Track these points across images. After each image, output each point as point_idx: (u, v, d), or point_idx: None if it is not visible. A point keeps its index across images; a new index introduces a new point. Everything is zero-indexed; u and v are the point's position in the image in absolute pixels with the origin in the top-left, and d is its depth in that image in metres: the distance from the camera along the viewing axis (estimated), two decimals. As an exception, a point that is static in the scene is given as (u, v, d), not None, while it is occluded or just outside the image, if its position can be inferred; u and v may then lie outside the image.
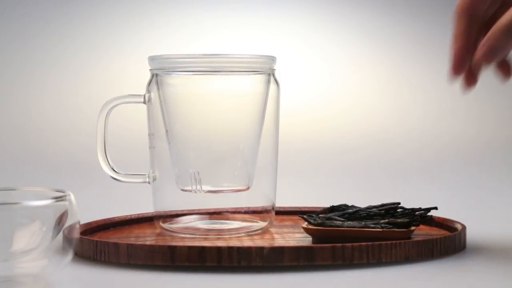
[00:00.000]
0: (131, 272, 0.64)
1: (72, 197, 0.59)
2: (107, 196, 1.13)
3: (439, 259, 0.67)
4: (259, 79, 0.76)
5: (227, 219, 0.77)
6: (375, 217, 0.71)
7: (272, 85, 0.76)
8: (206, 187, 0.75)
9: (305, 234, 0.71)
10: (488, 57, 0.67)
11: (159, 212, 0.77)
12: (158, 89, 0.75)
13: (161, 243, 0.71)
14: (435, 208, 0.73)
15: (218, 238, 0.73)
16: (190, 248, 0.64)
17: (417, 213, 0.72)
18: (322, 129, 1.64)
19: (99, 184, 1.11)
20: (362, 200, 0.76)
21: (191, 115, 0.75)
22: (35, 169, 1.41)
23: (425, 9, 1.84)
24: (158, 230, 0.77)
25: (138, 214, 0.82)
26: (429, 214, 0.73)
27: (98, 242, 0.67)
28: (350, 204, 0.74)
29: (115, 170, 0.77)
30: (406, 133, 1.58)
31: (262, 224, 0.77)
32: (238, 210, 0.77)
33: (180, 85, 0.75)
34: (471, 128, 1.54)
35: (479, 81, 0.69)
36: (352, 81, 1.75)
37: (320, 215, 0.72)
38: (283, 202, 0.85)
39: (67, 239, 0.57)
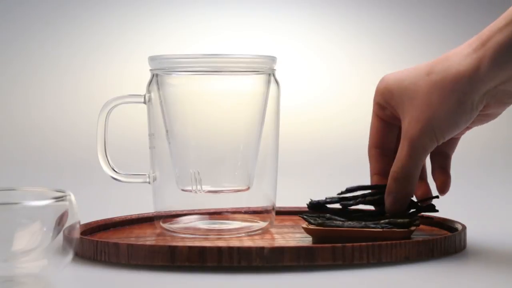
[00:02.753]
0: (131, 272, 0.64)
1: (72, 197, 0.59)
2: (107, 196, 1.13)
3: (439, 259, 0.67)
4: (260, 79, 0.75)
5: (227, 219, 0.77)
6: (375, 217, 0.71)
7: (273, 85, 0.76)
8: (206, 187, 0.75)
9: (305, 234, 0.71)
10: (395, 207, 0.71)
11: (159, 212, 0.77)
12: (158, 89, 0.75)
13: (161, 243, 0.71)
14: (437, 197, 0.73)
15: (218, 238, 0.73)
16: (190, 248, 0.64)
17: (419, 203, 0.72)
18: (322, 129, 1.64)
19: (99, 184, 1.11)
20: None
21: (191, 115, 0.75)
22: (35, 169, 1.41)
23: (425, 9, 1.84)
24: (158, 230, 0.77)
25: (138, 214, 0.82)
26: (431, 203, 0.73)
27: (98, 242, 0.67)
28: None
29: (115, 170, 0.77)
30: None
31: (262, 224, 0.76)
32: (238, 210, 0.77)
33: (180, 85, 0.75)
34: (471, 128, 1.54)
35: None
36: (352, 81, 1.75)
37: (320, 215, 0.72)
38: (283, 202, 0.85)
39: (67, 239, 0.57)
